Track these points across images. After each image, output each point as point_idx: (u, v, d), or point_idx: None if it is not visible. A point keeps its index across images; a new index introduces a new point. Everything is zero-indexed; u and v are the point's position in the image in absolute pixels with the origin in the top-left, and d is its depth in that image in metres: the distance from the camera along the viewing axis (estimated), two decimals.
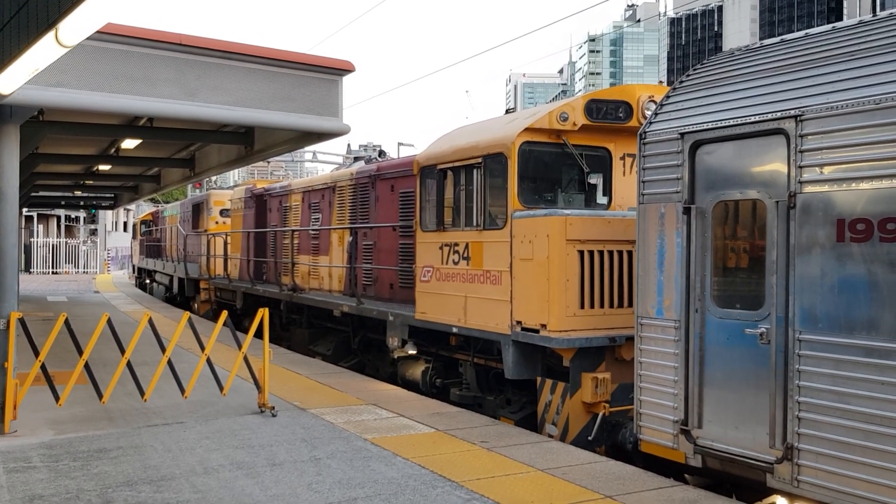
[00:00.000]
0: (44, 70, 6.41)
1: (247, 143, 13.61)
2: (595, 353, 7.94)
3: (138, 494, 5.75)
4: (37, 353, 7.63)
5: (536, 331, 7.99)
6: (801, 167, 5.57)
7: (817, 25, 6.70)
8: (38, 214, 49.98)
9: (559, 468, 6.53)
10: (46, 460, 6.64)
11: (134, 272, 39.99)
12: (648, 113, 8.52)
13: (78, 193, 29.44)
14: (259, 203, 18.28)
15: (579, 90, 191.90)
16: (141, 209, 53.17)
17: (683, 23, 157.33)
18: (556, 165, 8.97)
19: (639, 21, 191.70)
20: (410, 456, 6.85)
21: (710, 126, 6.23)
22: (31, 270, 45.12)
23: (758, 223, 5.99)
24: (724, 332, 6.11)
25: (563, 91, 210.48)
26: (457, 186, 9.41)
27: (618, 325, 8.02)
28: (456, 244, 9.34)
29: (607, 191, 9.19)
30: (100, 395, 8.01)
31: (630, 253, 8.06)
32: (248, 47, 10.03)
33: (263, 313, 8.74)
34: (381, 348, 11.98)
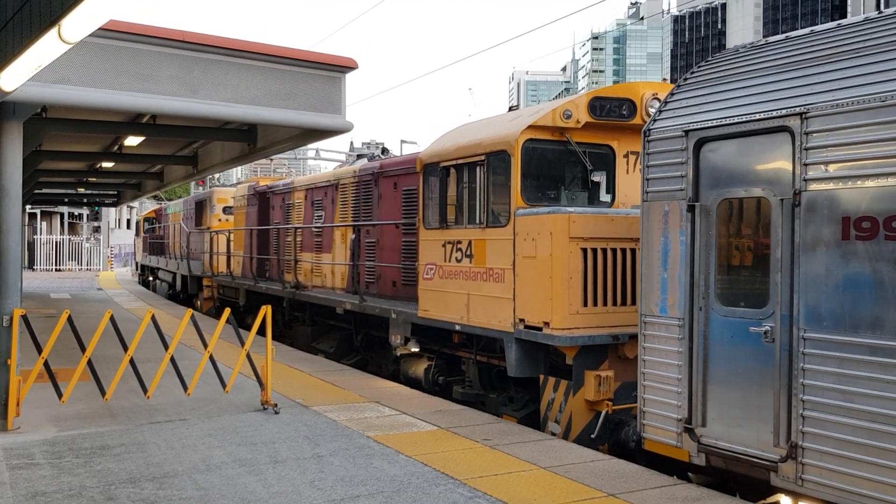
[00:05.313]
0: (47, 67, 6.40)
1: (250, 140, 13.59)
2: (598, 351, 7.93)
3: (141, 491, 5.75)
4: (40, 350, 7.64)
5: (539, 329, 7.98)
6: (806, 165, 5.54)
7: (821, 23, 6.64)
8: (42, 211, 50.07)
9: (562, 466, 6.52)
10: (49, 457, 6.64)
11: (137, 269, 40.05)
12: (652, 110, 8.50)
13: (81, 191, 29.44)
14: (262, 200, 18.27)
15: (582, 88, 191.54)
16: (144, 206, 53.22)
17: (687, 20, 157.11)
18: (560, 163, 8.95)
19: (642, 18, 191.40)
20: (413, 453, 6.84)
21: (714, 123, 6.20)
22: (35, 267, 45.17)
23: (762, 221, 5.97)
24: (729, 330, 6.09)
25: (566, 89, 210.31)
26: (460, 184, 9.39)
27: (621, 323, 8.00)
28: (459, 242, 9.32)
29: (610, 188, 9.17)
30: (103, 392, 8.02)
31: (633, 251, 8.05)
32: (251, 44, 10.01)
33: (266, 311, 8.73)
34: (383, 346, 11.97)
